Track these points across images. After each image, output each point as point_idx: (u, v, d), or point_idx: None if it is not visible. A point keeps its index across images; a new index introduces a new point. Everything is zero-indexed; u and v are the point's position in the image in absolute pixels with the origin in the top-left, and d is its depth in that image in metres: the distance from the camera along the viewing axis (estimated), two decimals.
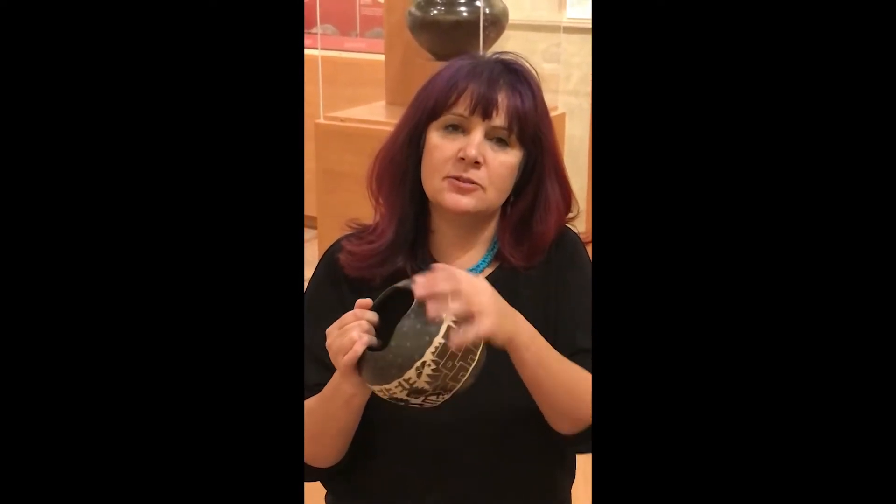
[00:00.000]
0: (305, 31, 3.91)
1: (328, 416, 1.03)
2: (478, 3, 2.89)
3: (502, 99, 1.06)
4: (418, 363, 0.90)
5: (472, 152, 1.04)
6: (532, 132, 1.09)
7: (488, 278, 1.12)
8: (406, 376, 0.90)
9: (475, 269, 1.13)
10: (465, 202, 1.06)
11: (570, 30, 3.82)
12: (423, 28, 2.95)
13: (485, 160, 1.06)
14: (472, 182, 1.06)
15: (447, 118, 1.07)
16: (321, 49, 3.32)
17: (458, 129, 1.07)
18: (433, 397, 0.93)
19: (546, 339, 1.06)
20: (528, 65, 1.12)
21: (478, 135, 1.06)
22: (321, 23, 4.08)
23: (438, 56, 3.02)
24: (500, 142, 1.07)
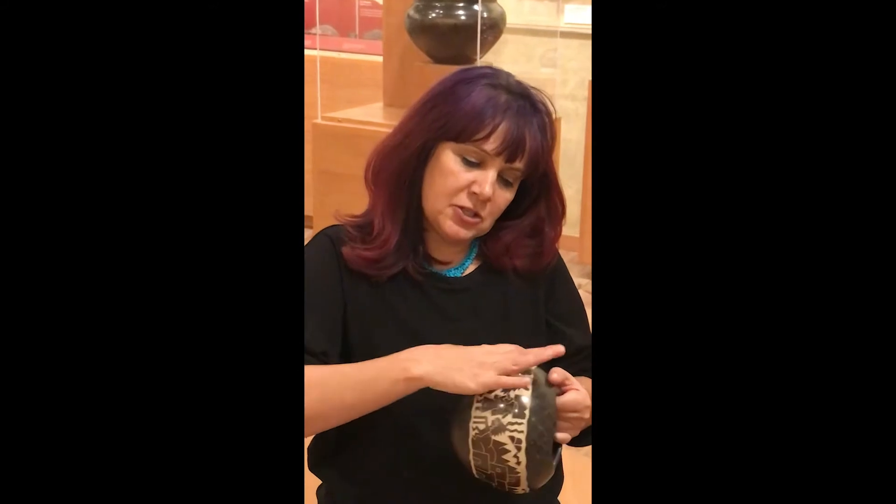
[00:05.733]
0: (305, 31, 3.92)
1: (358, 393, 1.01)
2: (476, 7, 2.91)
3: (531, 144, 1.08)
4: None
5: (487, 190, 1.07)
6: (542, 171, 1.12)
7: (475, 273, 1.18)
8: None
9: (461, 267, 1.18)
10: (464, 232, 1.10)
11: (567, 35, 3.84)
12: (422, 31, 2.97)
13: (492, 196, 1.08)
14: (478, 216, 1.09)
15: (469, 149, 1.07)
16: (320, 49, 3.33)
17: (476, 163, 1.08)
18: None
19: (537, 335, 1.08)
20: (549, 102, 1.15)
21: (494, 173, 1.08)
22: (320, 23, 4.09)
23: (436, 59, 3.03)
24: (507, 182, 1.10)
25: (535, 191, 1.15)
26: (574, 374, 1.12)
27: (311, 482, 1.19)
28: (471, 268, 1.19)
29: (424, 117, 1.10)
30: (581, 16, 3.80)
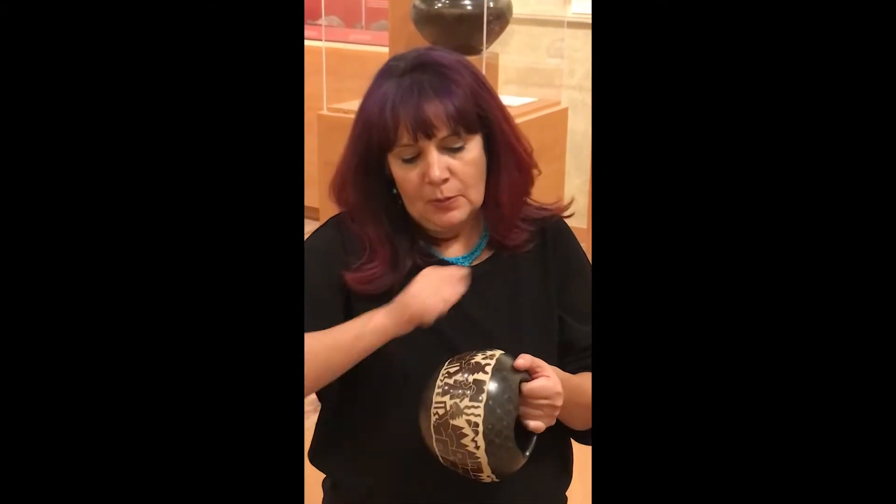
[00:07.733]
0: (311, 22, 3.91)
1: (355, 343, 1.03)
2: None
3: (435, 112, 1.05)
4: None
5: (435, 174, 1.05)
6: (475, 117, 1.08)
7: (485, 262, 1.16)
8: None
9: (471, 255, 1.17)
10: (454, 216, 1.09)
11: (574, 25, 3.82)
12: (428, 21, 2.96)
13: (451, 171, 1.07)
14: (451, 197, 1.07)
15: (398, 151, 1.07)
16: (326, 41, 3.32)
17: (414, 157, 1.07)
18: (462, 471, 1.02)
19: (548, 328, 1.08)
20: (449, 54, 1.11)
21: (432, 154, 1.06)
22: (326, 14, 4.08)
23: None
24: (454, 149, 1.07)
25: (488, 149, 1.11)
26: (576, 371, 1.12)
27: (315, 477, 1.19)
28: (482, 256, 1.17)
29: (353, 137, 1.12)
30: (588, 6, 3.79)
